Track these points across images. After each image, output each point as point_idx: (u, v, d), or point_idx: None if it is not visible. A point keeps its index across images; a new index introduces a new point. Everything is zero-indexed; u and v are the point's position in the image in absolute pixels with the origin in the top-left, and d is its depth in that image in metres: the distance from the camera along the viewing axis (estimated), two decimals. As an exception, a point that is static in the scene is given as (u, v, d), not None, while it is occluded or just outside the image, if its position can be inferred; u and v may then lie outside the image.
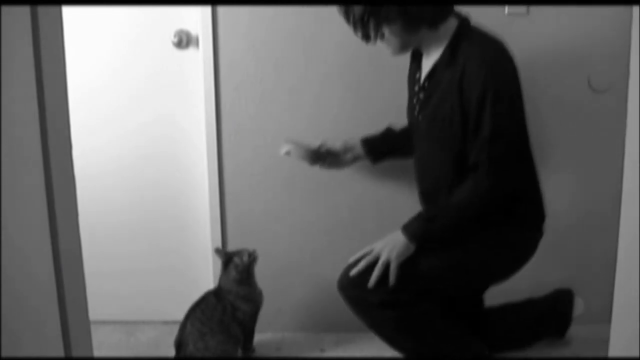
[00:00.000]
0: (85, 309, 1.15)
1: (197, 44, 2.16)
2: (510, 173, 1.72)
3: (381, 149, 2.02)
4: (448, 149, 1.76)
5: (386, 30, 1.71)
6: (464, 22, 1.75)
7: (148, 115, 2.25)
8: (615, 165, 1.54)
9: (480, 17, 2.06)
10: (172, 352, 1.96)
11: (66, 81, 1.07)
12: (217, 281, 2.05)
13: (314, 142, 2.02)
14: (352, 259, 1.80)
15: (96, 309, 1.31)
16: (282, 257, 2.25)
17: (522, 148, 1.76)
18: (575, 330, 2.07)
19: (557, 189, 2.20)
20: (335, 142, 2.02)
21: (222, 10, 2.09)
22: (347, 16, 1.73)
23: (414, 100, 1.86)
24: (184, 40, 2.17)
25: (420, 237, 1.74)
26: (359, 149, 2.01)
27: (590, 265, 2.23)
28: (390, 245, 1.75)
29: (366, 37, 1.74)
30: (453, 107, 1.70)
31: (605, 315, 1.34)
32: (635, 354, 1.14)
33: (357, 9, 1.69)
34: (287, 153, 1.99)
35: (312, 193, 2.21)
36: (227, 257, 2.02)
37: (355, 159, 2.03)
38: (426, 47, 1.79)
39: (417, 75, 1.86)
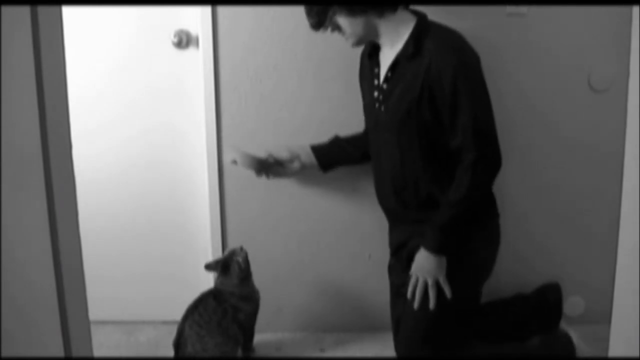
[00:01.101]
0: (85, 309, 1.15)
1: (197, 44, 2.16)
2: (496, 147, 1.76)
3: (331, 157, 2.05)
4: (412, 139, 1.79)
5: (338, 20, 1.78)
6: (422, 18, 1.80)
7: (147, 115, 2.24)
8: (615, 165, 1.54)
9: (481, 17, 2.06)
10: (171, 352, 1.96)
11: (66, 81, 1.07)
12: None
13: (280, 150, 2.03)
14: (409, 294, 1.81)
15: (96, 309, 1.31)
16: (282, 258, 2.25)
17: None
18: (575, 330, 2.07)
19: (557, 189, 2.20)
20: (281, 151, 2.03)
21: (222, 10, 2.09)
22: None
23: (375, 94, 1.88)
24: (184, 40, 2.17)
25: (443, 245, 1.76)
26: (307, 157, 2.03)
27: (590, 265, 2.23)
28: (420, 267, 1.77)
29: (315, 25, 1.81)
30: (421, 98, 1.73)
31: (605, 315, 1.34)
32: (635, 354, 1.14)
33: None
34: (234, 162, 1.99)
35: (312, 195, 2.20)
36: (224, 262, 2.02)
37: (302, 168, 2.05)
38: (385, 41, 1.83)
39: (376, 70, 1.89)
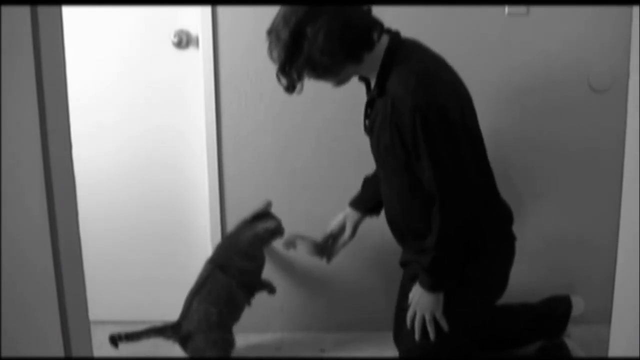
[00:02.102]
0: (85, 309, 1.14)
1: (197, 44, 2.16)
2: (462, 190, 1.64)
3: (372, 200, 1.94)
4: (396, 175, 1.73)
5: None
6: (393, 39, 1.66)
7: (147, 115, 2.25)
8: (615, 165, 1.54)
9: (481, 17, 2.06)
10: (172, 352, 1.96)
11: (66, 81, 1.07)
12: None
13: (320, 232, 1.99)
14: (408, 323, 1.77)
15: (96, 309, 1.31)
16: (282, 258, 2.25)
17: (469, 161, 1.65)
18: (575, 330, 2.07)
19: (557, 189, 2.21)
20: (331, 225, 1.98)
21: (222, 10, 2.09)
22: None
23: (366, 123, 1.80)
24: (184, 40, 2.17)
25: (435, 284, 1.71)
26: (354, 215, 1.96)
27: (590, 265, 2.23)
28: (417, 301, 1.74)
29: (288, 89, 1.69)
30: (392, 137, 1.64)
31: (605, 315, 1.35)
32: (635, 354, 1.14)
33: (277, 56, 1.66)
34: (294, 248, 2.01)
35: (312, 195, 2.21)
36: (264, 212, 2.07)
37: (356, 227, 1.97)
38: (366, 74, 1.73)
39: (368, 96, 1.80)
